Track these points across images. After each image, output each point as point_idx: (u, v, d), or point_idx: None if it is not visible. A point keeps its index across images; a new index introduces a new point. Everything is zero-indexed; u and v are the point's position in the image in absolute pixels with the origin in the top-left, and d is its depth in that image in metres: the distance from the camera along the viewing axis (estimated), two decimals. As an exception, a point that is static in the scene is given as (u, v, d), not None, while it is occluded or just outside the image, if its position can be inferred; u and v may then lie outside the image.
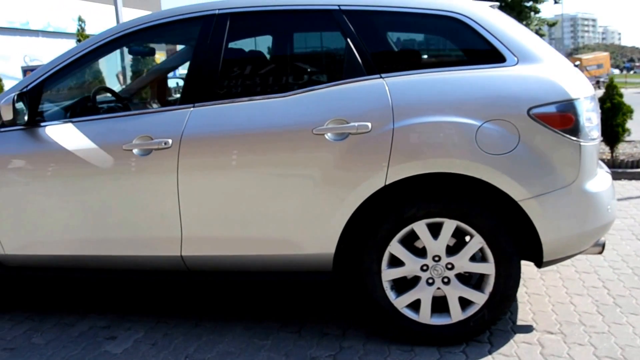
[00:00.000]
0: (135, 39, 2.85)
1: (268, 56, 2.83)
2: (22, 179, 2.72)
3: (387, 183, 2.34)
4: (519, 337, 2.53)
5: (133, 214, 2.61)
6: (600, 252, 2.58)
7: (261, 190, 2.46)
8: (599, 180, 2.43)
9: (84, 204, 2.66)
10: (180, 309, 3.01)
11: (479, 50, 2.44)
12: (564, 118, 2.29)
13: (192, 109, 2.55)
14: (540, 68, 2.36)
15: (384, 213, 2.41)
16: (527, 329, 2.60)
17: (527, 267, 3.29)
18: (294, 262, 2.54)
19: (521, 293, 3.00)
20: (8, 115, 2.59)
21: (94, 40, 2.77)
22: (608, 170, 2.74)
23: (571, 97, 2.30)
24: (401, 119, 2.33)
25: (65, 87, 2.99)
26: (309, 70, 2.71)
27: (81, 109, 2.96)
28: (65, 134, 2.65)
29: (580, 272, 3.28)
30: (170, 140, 2.51)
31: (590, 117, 2.36)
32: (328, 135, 2.37)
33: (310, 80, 2.54)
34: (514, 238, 2.37)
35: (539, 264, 2.46)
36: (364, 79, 2.42)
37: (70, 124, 2.67)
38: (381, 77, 2.41)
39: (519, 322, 2.66)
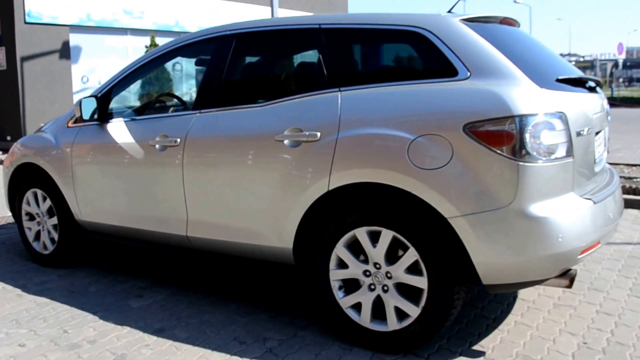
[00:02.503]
0: (178, 54, 3.42)
1: (256, 71, 3.16)
2: (92, 162, 3.51)
3: (330, 189, 2.51)
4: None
5: (155, 197, 3.20)
6: (568, 286, 2.35)
7: (237, 185, 2.82)
8: (556, 205, 2.23)
9: (125, 186, 3.34)
10: (200, 285, 3.53)
11: (436, 64, 2.44)
12: (501, 136, 2.18)
13: (197, 114, 3.02)
14: (490, 83, 2.27)
15: (330, 217, 2.58)
16: (478, 354, 2.50)
17: (543, 298, 3.08)
18: (264, 252, 2.85)
19: (508, 320, 2.83)
20: (78, 113, 3.39)
21: (149, 54, 3.43)
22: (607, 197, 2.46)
23: (512, 113, 2.18)
24: (345, 130, 2.48)
25: (137, 92, 3.72)
26: (286, 82, 2.98)
27: (133, 110, 3.66)
28: (117, 130, 3.35)
29: (600, 312, 2.92)
30: (178, 139, 3.03)
31: (543, 135, 2.19)
32: (286, 142, 2.63)
33: (287, 92, 2.79)
34: (450, 255, 2.32)
35: (486, 287, 2.36)
36: (325, 92, 2.61)
37: (122, 122, 3.37)
38: (339, 91, 2.57)
39: (476, 347, 2.56)
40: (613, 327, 2.72)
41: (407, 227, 2.37)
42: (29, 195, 3.99)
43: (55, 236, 3.85)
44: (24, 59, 12.06)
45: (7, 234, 4.90)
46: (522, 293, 3.18)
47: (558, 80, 2.43)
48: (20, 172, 4.01)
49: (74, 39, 13.31)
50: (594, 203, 2.38)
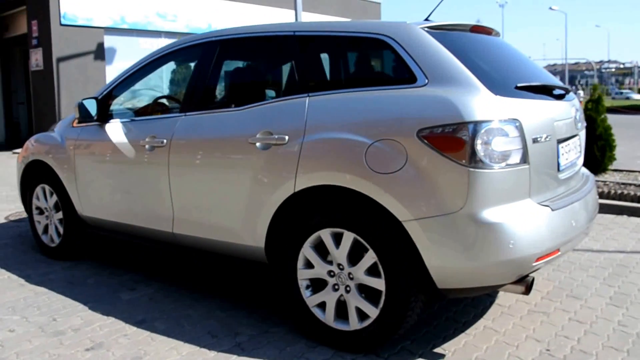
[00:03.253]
0: (172, 58, 3.57)
1: (235, 76, 3.27)
2: (91, 160, 3.71)
3: (295, 190, 2.60)
4: (418, 361, 2.51)
5: (145, 195, 3.36)
6: (524, 293, 2.35)
7: (215, 185, 2.95)
8: (508, 211, 2.25)
9: (120, 183, 3.51)
10: (190, 281, 3.67)
11: (397, 71, 2.50)
12: (452, 141, 2.22)
13: (183, 117, 3.16)
14: (445, 90, 2.31)
15: (297, 218, 2.66)
16: (437, 356, 2.53)
17: (520, 303, 3.09)
18: (240, 250, 2.96)
19: (478, 324, 2.85)
20: (76, 114, 3.59)
21: (145, 58, 3.59)
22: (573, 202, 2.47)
23: (463, 120, 2.21)
24: (310, 134, 2.56)
25: (135, 94, 3.89)
26: (262, 87, 3.08)
27: (129, 111, 3.83)
28: (114, 130, 3.53)
29: (572, 320, 2.89)
30: (165, 140, 3.18)
31: (495, 142, 2.22)
32: (257, 145, 2.73)
33: (262, 96, 2.90)
34: (406, 259, 2.37)
35: (440, 291, 2.40)
36: (295, 97, 2.70)
37: (119, 123, 3.54)
38: (308, 96, 2.66)
39: (438, 349, 2.60)
40: (581, 335, 2.70)
41: (366, 230, 2.43)
42: (38, 190, 4.23)
43: (61, 230, 4.07)
44: (60, 59, 12.58)
45: (25, 227, 5.18)
46: (500, 298, 3.19)
47: (518, 88, 2.45)
48: (31, 168, 4.26)
49: (109, 41, 13.77)
50: (552, 210, 2.38)
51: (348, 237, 2.50)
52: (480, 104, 2.25)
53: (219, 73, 3.15)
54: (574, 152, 2.81)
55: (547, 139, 2.44)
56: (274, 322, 2.95)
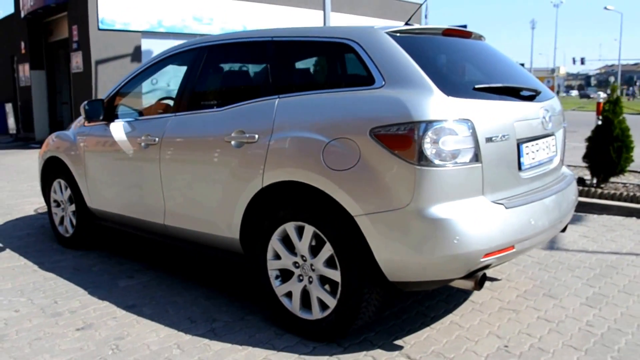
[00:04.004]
0: (169, 62, 3.79)
1: (218, 79, 3.44)
2: (97, 156, 3.98)
3: (263, 186, 2.75)
4: (373, 352, 2.59)
5: (141, 189, 3.59)
6: (475, 288, 2.42)
7: (198, 180, 3.14)
8: (455, 208, 2.33)
9: (120, 178, 3.76)
10: (185, 270, 3.88)
11: (358, 73, 2.61)
12: (401, 140, 2.32)
13: (173, 117, 3.37)
14: (399, 91, 2.41)
15: (265, 212, 2.82)
16: (395, 348, 2.63)
17: (494, 301, 3.14)
18: (219, 242, 3.14)
19: (445, 319, 2.92)
20: (82, 114, 3.86)
21: (145, 63, 3.83)
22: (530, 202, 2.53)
23: (412, 119, 2.31)
24: (277, 132, 2.71)
25: (139, 95, 4.13)
26: (241, 89, 3.24)
27: (132, 111, 4.06)
28: (117, 129, 3.78)
29: (540, 318, 2.93)
30: (157, 139, 3.40)
31: (443, 140, 2.30)
32: (232, 143, 2.90)
33: (241, 98, 3.05)
34: (358, 252, 2.47)
35: (392, 284, 2.49)
36: (267, 98, 2.85)
37: (121, 122, 3.79)
38: (278, 98, 2.81)
39: (398, 341, 2.69)
40: (545, 333, 2.74)
41: (324, 224, 2.56)
42: (55, 184, 4.55)
43: (74, 221, 4.38)
44: (98, 62, 13.19)
45: (47, 219, 5.55)
46: (475, 295, 3.25)
47: (476, 89, 2.52)
48: (50, 164, 4.58)
49: (146, 44, 14.30)
50: (506, 208, 2.44)
51: (308, 231, 2.63)
52: (430, 104, 2.34)
53: (206, 76, 3.35)
54: (544, 152, 2.85)
55: (504, 139, 2.50)
56: (251, 310, 3.11)
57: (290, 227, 2.71)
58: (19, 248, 4.50)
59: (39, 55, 17.69)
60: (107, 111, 3.91)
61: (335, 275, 2.56)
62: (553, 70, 61.78)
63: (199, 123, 3.17)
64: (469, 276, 2.42)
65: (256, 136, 2.79)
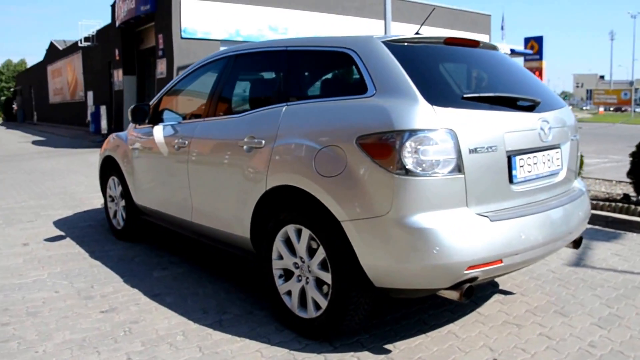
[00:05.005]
0: (205, 70, 4.06)
1: (239, 87, 3.63)
2: (141, 156, 4.34)
3: (267, 189, 2.91)
4: (360, 354, 2.66)
5: (174, 187, 3.88)
6: (459, 299, 2.42)
7: (217, 181, 3.37)
8: (436, 218, 2.34)
9: (158, 176, 4.09)
10: (216, 265, 4.13)
11: (354, 82, 2.70)
12: (382, 148, 2.38)
13: (202, 121, 3.63)
14: (385, 100, 2.47)
15: (270, 214, 2.97)
16: (383, 351, 2.67)
17: (501, 314, 3.11)
18: (235, 240, 3.34)
19: (444, 328, 2.92)
20: (129, 117, 4.23)
21: (185, 71, 4.14)
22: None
23: (393, 128, 2.36)
24: (280, 139, 2.87)
25: (181, 100, 4.44)
26: (257, 97, 3.41)
27: (174, 116, 4.37)
28: (158, 132, 4.11)
29: (541, 335, 2.84)
30: (187, 142, 3.67)
31: (423, 150, 2.34)
32: (244, 147, 3.09)
33: (257, 105, 3.24)
34: (348, 256, 2.55)
35: (385, 292, 2.55)
36: (276, 106, 3.01)
37: (162, 126, 4.12)
38: (286, 105, 2.96)
39: (388, 345, 2.73)
40: (540, 349, 2.67)
41: (317, 228, 2.66)
42: (110, 180, 5.00)
43: (124, 215, 4.78)
44: (180, 68, 14.04)
45: (111, 213, 6.07)
46: (483, 307, 3.20)
47: (465, 98, 2.52)
48: (106, 162, 5.04)
49: (224, 52, 14.99)
50: (491, 221, 2.42)
51: (305, 234, 2.75)
52: (411, 113, 2.38)
53: (229, 83, 3.57)
54: (544, 165, 2.78)
55: (491, 150, 2.48)
56: (261, 306, 3.28)
57: (290, 230, 2.84)
58: (77, 237, 4.98)
59: (131, 61, 19.12)
60: (153, 115, 4.26)
61: (327, 277, 2.66)
62: (631, 83, 56.74)
63: (221, 128, 3.40)
64: (455, 287, 2.43)
65: (263, 142, 2.96)
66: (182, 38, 14.76)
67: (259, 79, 3.57)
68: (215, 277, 3.82)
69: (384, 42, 2.69)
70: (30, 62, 49.32)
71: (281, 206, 2.91)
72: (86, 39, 22.32)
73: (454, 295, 2.44)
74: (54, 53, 32.02)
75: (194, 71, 4.08)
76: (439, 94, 2.50)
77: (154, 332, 2.93)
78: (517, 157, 2.62)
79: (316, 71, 3.16)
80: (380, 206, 2.39)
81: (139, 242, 4.78)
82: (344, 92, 2.77)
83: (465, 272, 2.36)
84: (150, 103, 4.31)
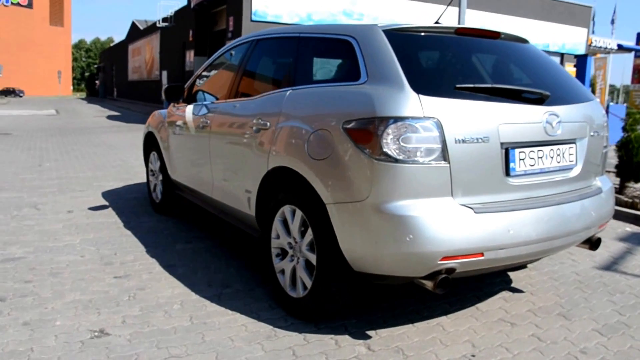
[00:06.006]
0: (234, 53, 4.17)
1: (256, 70, 3.67)
2: (174, 133, 4.54)
3: (268, 169, 2.98)
4: (339, 337, 2.68)
5: (198, 163, 4.05)
6: (433, 289, 2.38)
7: (231, 159, 3.50)
8: (413, 207, 2.31)
9: (187, 153, 4.28)
10: (238, 242, 4.28)
11: (351, 68, 2.69)
12: (365, 134, 2.37)
13: (223, 102, 3.75)
14: (374, 87, 2.46)
15: (270, 193, 3.04)
16: (363, 337, 2.68)
17: (500, 311, 3.03)
18: (242, 216, 3.45)
19: (435, 320, 2.88)
20: (163, 96, 4.43)
21: (216, 54, 4.27)
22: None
23: (375, 115, 2.34)
24: (281, 122, 2.92)
25: (208, 82, 4.58)
26: (269, 80, 3.46)
27: (205, 96, 4.52)
28: (189, 110, 4.28)
29: (532, 337, 2.73)
30: (209, 121, 3.81)
31: (405, 137, 2.30)
32: (253, 128, 3.17)
33: (270, 88, 3.30)
34: (332, 239, 2.56)
35: (360, 275, 2.56)
36: (284, 90, 3.06)
37: (192, 105, 4.28)
38: (292, 89, 3.00)
39: (370, 331, 2.73)
40: (525, 350, 2.56)
41: (308, 209, 2.70)
42: (151, 155, 5.27)
43: (162, 189, 5.04)
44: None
45: (158, 187, 6.39)
46: (485, 303, 3.12)
47: (458, 88, 2.44)
48: (148, 137, 5.31)
49: (299, 36, 15.20)
50: (475, 213, 2.35)
51: (298, 215, 2.80)
52: (395, 100, 2.35)
53: (248, 67, 3.66)
54: (552, 160, 2.64)
55: (482, 141, 2.40)
56: (265, 284, 3.37)
57: (287, 210, 2.90)
58: (119, 208, 5.31)
59: (203, 43, 19.76)
60: (187, 94, 4.43)
61: (313, 259, 2.70)
62: None
63: (238, 109, 3.50)
64: (431, 277, 2.39)
65: (268, 123, 3.03)
66: (252, 21, 15.07)
67: (273, 63, 3.62)
68: (231, 254, 3.96)
69: (385, 31, 2.65)
70: (117, 41, 52.28)
71: (280, 187, 2.97)
72: (164, 20, 23.31)
73: (429, 284, 2.41)
74: (135, 32, 33.76)
75: (224, 53, 4.20)
76: (429, 83, 2.45)
77: (155, 299, 3.11)
78: (517, 150, 2.52)
79: (321, 57, 3.17)
80: (360, 191, 2.39)
81: (174, 217, 5.02)
82: (342, 78, 2.78)
83: (440, 262, 2.32)
84: (186, 84, 4.49)
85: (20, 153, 9.41)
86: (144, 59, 31.03)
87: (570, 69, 15.72)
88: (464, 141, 2.36)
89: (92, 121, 18.03)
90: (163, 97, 4.48)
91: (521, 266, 3.70)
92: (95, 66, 59.67)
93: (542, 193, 2.62)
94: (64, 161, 8.47)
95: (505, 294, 3.27)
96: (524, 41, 3.11)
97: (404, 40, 2.63)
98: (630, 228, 4.92)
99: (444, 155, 2.34)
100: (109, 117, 19.99)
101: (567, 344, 2.64)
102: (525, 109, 2.56)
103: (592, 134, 2.85)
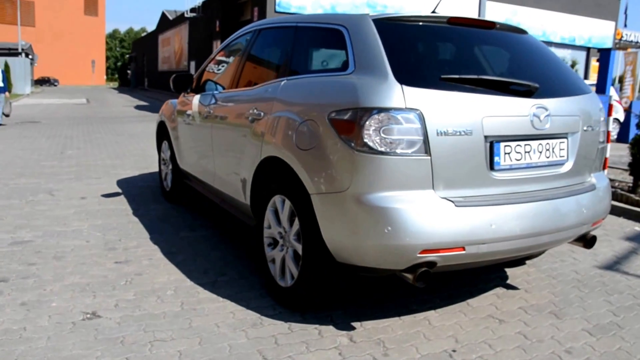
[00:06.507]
0: (238, 42, 4.20)
1: (255, 60, 3.68)
2: (183, 122, 4.61)
3: (261, 159, 3.01)
4: (323, 327, 2.69)
5: (202, 152, 4.11)
6: (413, 283, 2.38)
7: (228, 148, 3.54)
8: (393, 198, 2.30)
9: (193, 143, 4.34)
10: (240, 230, 4.33)
11: (341, 58, 2.69)
12: (347, 125, 2.38)
13: (225, 92, 3.79)
14: (359, 77, 2.46)
15: (263, 183, 3.07)
16: (346, 327, 2.69)
17: (490, 307, 3.00)
18: (240, 206, 3.49)
19: (421, 315, 2.87)
20: (171, 86, 4.50)
21: (221, 45, 4.31)
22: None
23: (358, 105, 2.34)
24: (274, 112, 2.94)
25: (215, 72, 4.63)
26: (266, 71, 3.47)
27: (213, 86, 4.57)
28: (196, 100, 4.34)
29: (519, 334, 2.70)
30: (212, 111, 3.86)
31: (385, 129, 2.30)
32: (249, 118, 3.20)
33: (267, 79, 3.31)
34: (316, 229, 2.57)
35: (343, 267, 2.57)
36: (278, 80, 3.08)
37: (198, 95, 4.34)
38: (286, 79, 3.01)
39: (355, 323, 2.74)
40: (508, 348, 2.53)
41: (295, 199, 2.72)
42: (163, 144, 5.37)
43: (171, 178, 5.13)
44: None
45: (172, 175, 6.51)
46: (477, 299, 3.08)
47: (443, 79, 2.41)
48: (161, 126, 5.41)
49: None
50: (456, 206, 2.33)
51: (287, 205, 2.82)
52: (377, 91, 2.34)
53: (251, 56, 3.68)
54: (540, 154, 2.59)
55: (465, 134, 2.37)
56: (260, 271, 3.41)
57: (277, 200, 2.93)
58: (131, 195, 5.44)
59: (230, 33, 19.83)
60: (196, 84, 4.49)
61: (300, 249, 2.73)
62: None
63: (237, 99, 3.54)
64: (412, 270, 2.39)
65: (262, 113, 3.06)
66: (276, 12, 15.10)
67: (273, 53, 3.64)
68: (233, 242, 4.02)
69: (375, 20, 2.64)
70: (150, 31, 53.16)
71: (272, 176, 2.99)
72: (192, 10, 23.54)
73: (408, 278, 2.40)
74: (165, 23, 34.20)
75: (230, 43, 4.24)
76: (414, 74, 2.42)
77: (151, 285, 3.18)
78: (502, 144, 2.48)
79: (315, 47, 3.17)
80: (341, 182, 2.40)
81: (183, 205, 5.11)
82: (333, 68, 2.79)
83: (419, 255, 2.31)
84: (195, 74, 4.55)
85: (45, 141, 9.70)
86: (173, 49, 31.45)
87: (595, 64, 15.29)
88: (446, 133, 2.34)
89: (119, 110, 18.41)
90: (171, 86, 4.56)
91: (519, 262, 3.65)
92: (127, 56, 60.88)
93: (530, 188, 2.58)
94: (86, 149, 8.69)
95: (499, 290, 3.24)
96: (522, 32, 3.05)
97: (393, 30, 2.61)
98: (639, 227, 4.79)
99: (426, 147, 2.32)
100: (137, 107, 20.36)
101: (553, 343, 2.60)
102: (512, 101, 2.52)
103: (585, 128, 2.78)
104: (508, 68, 2.81)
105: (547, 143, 2.62)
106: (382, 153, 2.31)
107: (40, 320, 2.70)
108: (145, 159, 7.74)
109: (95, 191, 5.57)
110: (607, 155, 6.05)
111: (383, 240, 2.31)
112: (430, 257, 2.34)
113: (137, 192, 5.63)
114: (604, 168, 6.02)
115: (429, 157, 2.33)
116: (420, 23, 2.70)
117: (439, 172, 2.35)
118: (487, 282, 3.35)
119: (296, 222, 2.74)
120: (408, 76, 2.39)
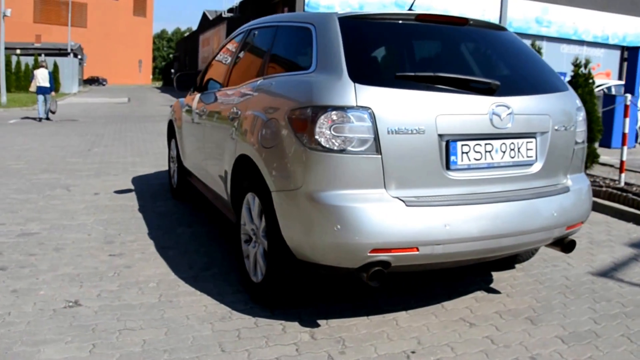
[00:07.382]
0: (233, 41, 4.28)
1: (242, 59, 3.74)
2: (185, 120, 4.73)
3: (236, 157, 3.07)
4: (287, 324, 2.72)
5: (200, 151, 4.22)
6: (366, 282, 2.38)
7: (213, 146, 3.64)
8: (342, 197, 2.31)
9: (193, 141, 4.46)
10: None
11: (307, 57, 2.72)
12: (301, 123, 2.42)
13: (221, 90, 3.88)
14: (317, 76, 2.50)
15: (238, 181, 3.13)
16: (311, 324, 2.71)
17: (465, 310, 2.97)
18: (226, 203, 3.57)
19: (392, 316, 2.86)
20: (174, 84, 4.63)
21: (220, 45, 4.41)
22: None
23: (311, 103, 2.37)
24: (248, 110, 3.00)
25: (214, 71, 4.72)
26: (250, 70, 3.51)
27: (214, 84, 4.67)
28: (197, 99, 4.46)
29: (486, 338, 2.65)
30: (206, 109, 3.96)
31: (336, 127, 2.31)
32: (230, 116, 3.28)
33: (249, 78, 3.37)
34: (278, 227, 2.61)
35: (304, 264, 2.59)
36: (256, 79, 3.15)
37: (198, 94, 4.46)
38: (263, 79, 3.07)
39: (322, 320, 2.75)
40: (471, 352, 2.49)
41: (262, 196, 2.77)
42: (172, 142, 5.52)
43: (177, 175, 5.28)
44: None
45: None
46: (453, 301, 3.04)
47: (398, 77, 2.40)
48: (170, 125, 5.56)
49: (345, 26, 15.24)
50: (407, 206, 2.32)
51: (257, 202, 2.87)
52: (330, 90, 2.36)
53: (242, 55, 3.76)
54: (504, 154, 2.54)
55: (417, 132, 2.35)
56: (238, 267, 3.47)
57: (250, 197, 2.99)
58: (141, 192, 5.62)
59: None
60: (199, 83, 4.61)
61: (266, 245, 2.77)
62: None
63: (224, 98, 3.63)
64: (366, 269, 2.39)
65: (239, 112, 3.13)
66: (304, 11, 15.21)
67: (256, 52, 3.70)
68: (225, 239, 4.10)
69: (340, 19, 2.66)
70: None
71: (245, 174, 3.05)
72: (229, 10, 23.96)
73: (363, 276, 2.40)
74: (205, 23, 34.92)
75: (227, 42, 4.33)
76: (370, 72, 2.44)
77: (136, 277, 3.30)
78: (460, 143, 2.45)
79: (289, 46, 3.20)
80: (296, 180, 2.43)
81: (188, 202, 5.24)
82: (300, 67, 2.81)
83: (370, 254, 2.31)
84: (194, 71, 4.67)
85: (76, 138, 10.11)
86: (212, 49, 32.09)
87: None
88: (397, 132, 2.33)
89: (155, 110, 18.96)
90: (175, 85, 4.69)
91: (506, 266, 3.58)
92: (171, 56, 62.52)
93: (492, 189, 2.53)
94: (113, 147, 9.01)
95: (479, 293, 3.19)
96: (500, 28, 2.99)
97: (357, 28, 2.63)
98: (651, 234, 4.59)
99: (376, 146, 2.32)
100: (174, 106, 20.93)
101: (520, 349, 2.55)
102: (469, 99, 2.47)
103: (557, 128, 2.70)
104: (476, 65, 2.76)
105: (512, 143, 2.57)
106: (333, 151, 2.32)
107: (26, 306, 2.84)
108: (164, 157, 7.95)
109: (110, 187, 5.78)
110: (624, 158, 5.81)
111: (334, 239, 2.33)
112: (382, 256, 2.33)
113: (148, 189, 5.81)
114: (620, 172, 5.83)
115: (379, 156, 2.33)
116: (387, 20, 2.70)
117: (391, 171, 2.34)
118: (469, 285, 3.30)
119: (263, 219, 2.79)
120: (363, 74, 2.40)
